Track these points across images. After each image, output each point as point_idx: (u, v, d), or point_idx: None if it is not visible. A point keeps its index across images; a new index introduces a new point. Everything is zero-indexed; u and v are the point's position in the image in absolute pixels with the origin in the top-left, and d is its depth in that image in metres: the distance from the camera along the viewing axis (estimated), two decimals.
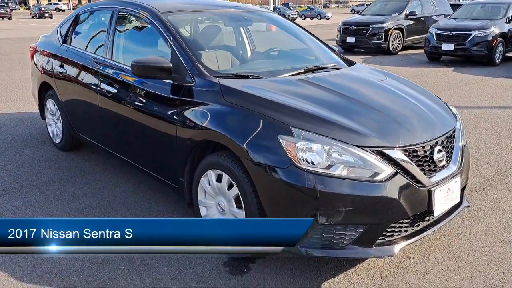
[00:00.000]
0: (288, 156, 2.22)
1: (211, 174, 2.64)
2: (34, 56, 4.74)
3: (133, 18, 3.51)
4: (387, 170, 2.25)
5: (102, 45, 3.62)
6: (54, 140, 4.62)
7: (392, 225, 2.33)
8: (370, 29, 13.30)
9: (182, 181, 2.89)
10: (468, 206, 2.86)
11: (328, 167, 2.21)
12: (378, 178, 2.23)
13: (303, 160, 2.21)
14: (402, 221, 2.37)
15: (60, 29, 4.39)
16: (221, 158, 2.56)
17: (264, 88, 2.67)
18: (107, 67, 3.46)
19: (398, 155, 2.29)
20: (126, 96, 3.25)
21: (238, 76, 2.86)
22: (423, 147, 2.42)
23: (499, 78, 9.03)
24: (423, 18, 14.19)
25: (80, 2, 74.67)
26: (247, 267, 2.57)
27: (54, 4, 69.02)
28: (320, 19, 45.33)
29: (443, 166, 2.52)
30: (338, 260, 2.60)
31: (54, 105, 4.40)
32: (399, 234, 2.39)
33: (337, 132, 2.29)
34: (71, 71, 3.95)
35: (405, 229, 2.41)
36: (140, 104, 3.12)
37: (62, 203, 3.37)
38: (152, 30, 3.23)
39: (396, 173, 2.27)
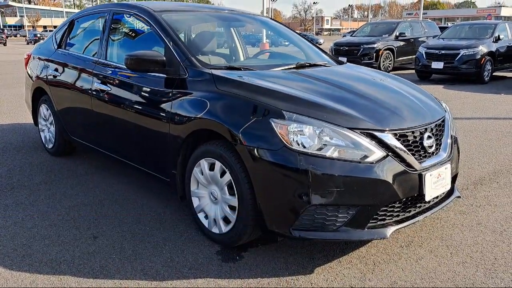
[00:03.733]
0: (280, 139, 2.24)
1: (204, 163, 2.65)
2: (28, 64, 4.78)
3: (128, 18, 3.58)
4: (377, 152, 2.27)
5: (97, 46, 3.68)
6: (46, 145, 4.61)
7: (383, 208, 2.34)
8: (361, 49, 13.58)
9: (175, 174, 2.89)
10: (460, 197, 2.88)
11: (320, 149, 2.23)
12: (369, 160, 2.25)
13: (294, 142, 2.23)
14: (393, 205, 2.38)
15: (55, 35, 4.45)
16: (213, 146, 2.57)
17: (255, 77, 2.71)
18: (101, 67, 3.50)
19: (388, 138, 2.32)
20: (120, 94, 3.28)
21: (230, 68, 2.91)
22: (413, 132, 2.45)
23: (488, 94, 9.21)
24: (412, 40, 14.52)
25: None
26: (240, 255, 2.55)
27: (50, 31, 69.81)
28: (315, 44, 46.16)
29: (433, 153, 2.55)
30: (331, 243, 2.60)
31: (48, 109, 4.41)
32: (391, 218, 2.40)
33: (328, 115, 2.32)
34: (65, 74, 3.98)
35: (397, 213, 2.42)
36: (134, 100, 3.14)
37: (54, 202, 3.35)
38: (147, 29, 3.29)
39: (387, 155, 2.29)
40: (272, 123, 2.28)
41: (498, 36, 11.48)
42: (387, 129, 2.35)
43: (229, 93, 2.56)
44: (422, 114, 2.63)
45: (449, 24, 22.32)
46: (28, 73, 4.78)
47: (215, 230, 2.66)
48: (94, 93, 3.52)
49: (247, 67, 2.97)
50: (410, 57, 14.18)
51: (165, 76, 2.91)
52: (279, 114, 2.30)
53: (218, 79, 2.68)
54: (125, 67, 3.17)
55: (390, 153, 2.31)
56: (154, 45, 3.21)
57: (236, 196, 2.46)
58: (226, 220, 2.60)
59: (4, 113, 6.92)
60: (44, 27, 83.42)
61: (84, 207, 3.24)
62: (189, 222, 2.94)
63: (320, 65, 3.34)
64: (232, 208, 2.53)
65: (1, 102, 7.92)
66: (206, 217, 2.74)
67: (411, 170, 2.36)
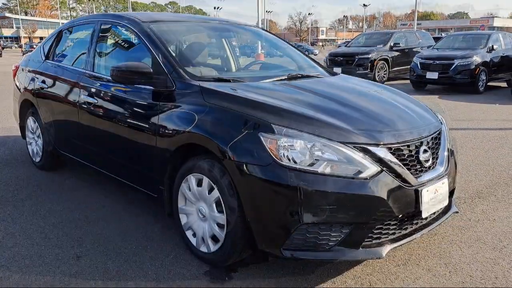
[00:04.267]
0: (269, 154, 2.15)
1: (192, 179, 2.55)
2: (16, 75, 4.68)
3: (116, 29, 3.49)
4: (372, 167, 2.17)
5: (84, 57, 3.59)
6: (34, 159, 4.48)
7: (379, 226, 2.23)
8: (356, 59, 13.57)
9: (162, 189, 2.78)
10: (457, 212, 2.78)
11: (311, 164, 2.13)
12: (363, 175, 2.15)
13: (284, 157, 2.13)
14: (389, 223, 2.27)
15: (43, 46, 4.36)
16: (201, 161, 2.47)
17: (245, 90, 2.62)
18: (88, 79, 3.41)
19: (383, 153, 2.23)
20: (106, 106, 3.18)
21: (220, 80, 2.81)
22: (408, 146, 2.36)
23: (483, 104, 9.16)
24: (407, 50, 14.52)
25: None
26: (229, 275, 2.43)
27: None
28: (308, 55, 46.27)
29: (429, 167, 2.45)
30: (324, 264, 2.49)
31: (35, 122, 4.30)
32: (387, 237, 2.30)
33: (320, 129, 2.22)
34: (52, 86, 3.88)
35: (393, 231, 2.32)
36: (120, 113, 3.04)
37: (37, 218, 3.22)
38: (134, 39, 3.21)
39: (381, 171, 2.19)
40: (261, 138, 2.19)
41: (492, 46, 11.48)
42: (381, 143, 2.25)
43: (217, 106, 2.46)
44: (417, 126, 2.54)
45: (443, 34, 22.44)
46: (16, 85, 4.67)
47: (203, 249, 2.54)
48: (81, 105, 3.42)
49: (237, 79, 2.88)
50: (404, 67, 14.15)
51: (152, 88, 2.82)
52: (269, 128, 2.20)
53: (206, 92, 2.58)
54: (110, 78, 3.09)
55: (384, 168, 2.21)
56: (142, 57, 3.13)
57: (225, 213, 2.36)
58: (214, 238, 2.48)
59: None
60: (41, 38, 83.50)
61: (69, 224, 3.11)
62: (177, 240, 2.82)
63: (313, 77, 3.25)
64: (220, 226, 2.42)
65: None
66: (194, 235, 2.62)
67: (407, 186, 2.27)
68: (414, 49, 14.58)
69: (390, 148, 2.27)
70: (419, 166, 2.39)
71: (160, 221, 3.13)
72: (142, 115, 2.85)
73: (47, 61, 4.16)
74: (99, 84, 3.29)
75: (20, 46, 67.26)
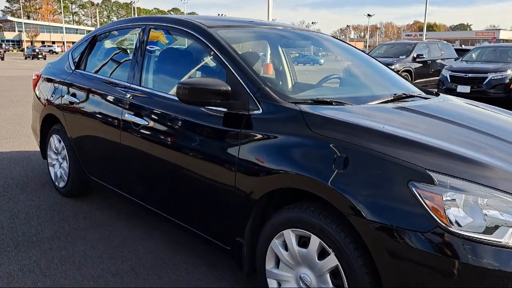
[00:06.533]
0: (429, 214, 1.51)
1: (290, 235, 1.91)
2: (37, 85, 4.06)
3: (171, 35, 2.86)
4: None
5: (127, 68, 2.97)
6: (57, 184, 3.84)
7: None
8: None
9: (241, 243, 2.15)
10: None
11: (489, 230, 1.50)
12: None
13: (452, 219, 1.50)
14: None
15: (72, 53, 3.74)
16: (307, 213, 1.84)
17: (362, 116, 1.99)
18: (135, 95, 2.78)
19: None
20: (161, 130, 2.55)
21: (318, 103, 2.18)
22: None
23: None
24: (430, 62, 13.98)
25: None
26: None
27: (48, 46, 69.48)
28: (313, 65, 45.82)
29: None
30: None
31: (60, 141, 3.67)
32: None
33: (493, 178, 1.59)
34: (85, 100, 3.25)
35: None
36: (180, 140, 2.41)
37: (71, 268, 2.58)
38: (197, 48, 2.60)
39: None
40: (414, 190, 1.55)
41: None
42: None
43: (333, 139, 1.82)
44: None
45: (463, 46, 21.93)
46: (37, 96, 4.05)
47: None
48: (125, 126, 2.79)
49: (338, 101, 2.24)
50: (428, 79, 13.62)
51: (228, 111, 2.19)
52: (425, 177, 1.57)
53: (311, 118, 1.95)
54: (167, 95, 2.52)
55: None
56: (210, 71, 2.51)
57: None
58: None
59: (4, 137, 6.14)
60: (43, 42, 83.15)
61: (113, 279, 2.47)
62: None
63: (417, 97, 2.63)
64: None
65: (1, 124, 7.14)
66: None
67: None
68: (437, 61, 14.05)
69: None
70: None
71: (229, 276, 2.49)
72: (215, 145, 2.22)
73: (77, 70, 3.53)
74: (150, 102, 2.66)
75: (22, 50, 66.63)
